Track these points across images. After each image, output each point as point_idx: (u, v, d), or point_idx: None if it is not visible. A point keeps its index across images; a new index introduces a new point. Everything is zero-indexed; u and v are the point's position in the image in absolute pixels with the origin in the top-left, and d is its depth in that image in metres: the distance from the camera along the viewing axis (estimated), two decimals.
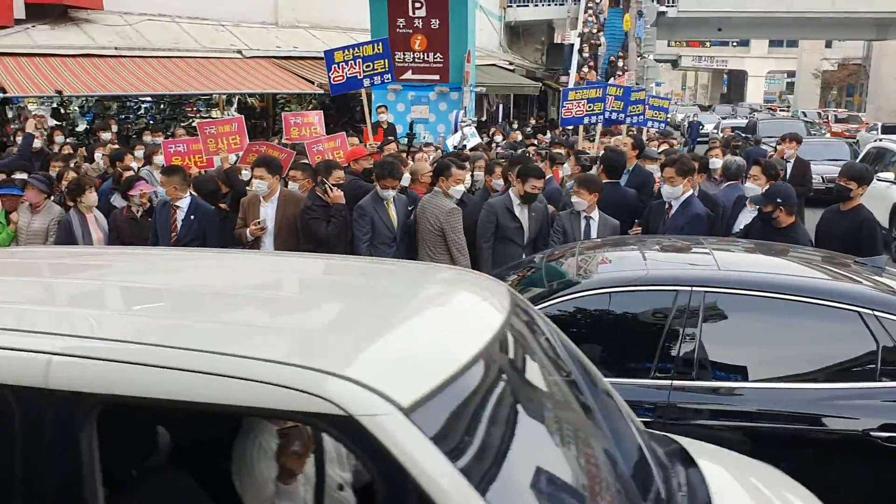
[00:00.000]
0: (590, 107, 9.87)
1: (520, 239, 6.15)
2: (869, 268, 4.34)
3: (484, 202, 6.56)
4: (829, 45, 58.50)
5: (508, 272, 4.96)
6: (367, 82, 9.56)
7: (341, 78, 9.50)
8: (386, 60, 9.49)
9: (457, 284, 2.86)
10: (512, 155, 8.84)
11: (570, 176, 7.96)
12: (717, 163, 8.29)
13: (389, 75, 9.67)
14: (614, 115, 10.57)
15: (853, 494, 3.63)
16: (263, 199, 6.35)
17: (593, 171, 7.83)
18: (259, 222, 6.29)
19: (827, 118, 37.70)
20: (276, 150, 7.73)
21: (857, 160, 15.62)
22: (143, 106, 19.13)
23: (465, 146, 9.80)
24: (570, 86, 22.06)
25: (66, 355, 2.03)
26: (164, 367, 1.96)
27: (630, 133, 10.97)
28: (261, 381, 1.90)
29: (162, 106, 19.35)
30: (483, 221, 6.18)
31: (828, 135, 27.87)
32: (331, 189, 6.24)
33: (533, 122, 21.74)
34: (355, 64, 9.39)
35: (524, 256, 5.94)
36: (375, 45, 9.66)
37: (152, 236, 6.72)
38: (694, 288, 3.86)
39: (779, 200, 5.58)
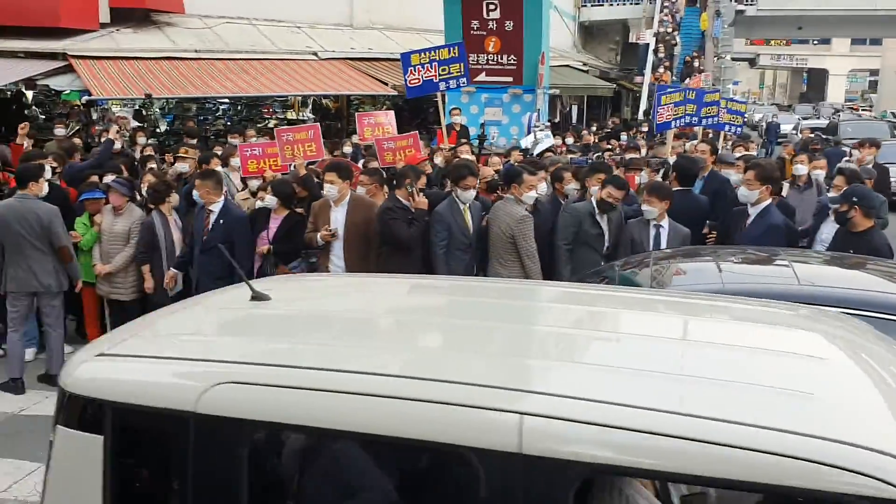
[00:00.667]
0: (676, 110, 9.74)
1: (599, 246, 6.14)
2: None
3: (555, 209, 6.55)
4: None
5: (586, 280, 4.96)
6: (442, 86, 9.62)
7: (417, 81, 9.55)
8: (462, 64, 9.51)
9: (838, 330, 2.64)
10: (586, 160, 8.74)
11: (646, 185, 7.85)
12: (801, 169, 8.05)
13: (465, 79, 9.70)
14: (687, 119, 10.38)
15: None
16: (333, 203, 6.43)
17: (659, 176, 7.77)
18: (329, 228, 6.40)
19: None
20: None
21: None
22: (221, 107, 19.64)
23: (533, 151, 9.77)
24: (645, 87, 21.75)
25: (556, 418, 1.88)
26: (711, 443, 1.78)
27: (706, 138, 10.75)
28: (801, 458, 1.74)
29: (239, 107, 19.81)
30: (565, 224, 6.20)
31: None
32: (417, 193, 6.32)
33: (610, 123, 21.48)
34: (431, 67, 9.45)
35: (602, 264, 5.91)
36: (451, 48, 9.69)
37: (189, 238, 6.93)
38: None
39: (854, 199, 5.44)
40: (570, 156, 11.08)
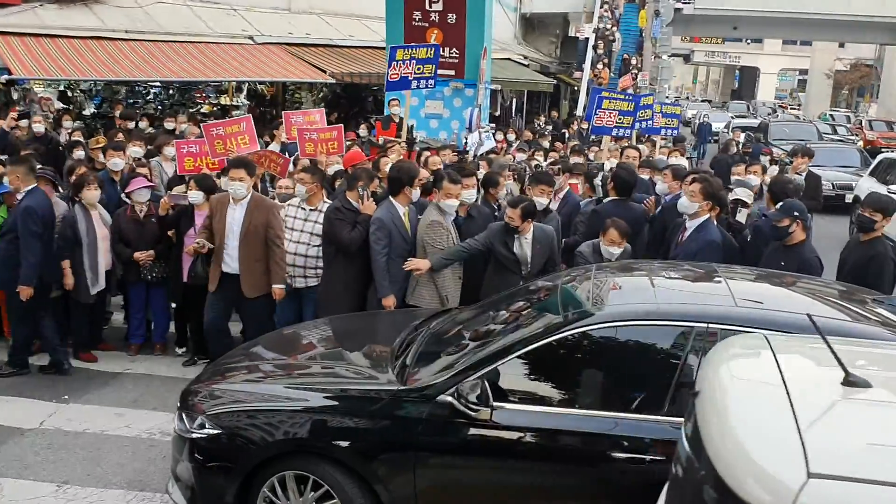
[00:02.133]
0: (620, 119, 9.72)
1: (516, 268, 5.93)
2: (886, 306, 4.26)
3: (489, 216, 6.46)
4: (842, 45, 58.01)
5: (518, 296, 4.90)
6: (414, 84, 9.55)
7: (396, 76, 9.48)
8: (434, 66, 9.59)
9: None
10: (525, 168, 8.64)
11: (582, 196, 7.83)
12: (754, 180, 8.10)
13: (433, 81, 9.68)
14: (627, 130, 10.41)
15: None
16: (233, 201, 6.24)
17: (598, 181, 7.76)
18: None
19: (860, 124, 33.73)
20: (276, 156, 7.66)
21: (868, 170, 15.54)
22: (153, 91, 19.01)
23: (476, 152, 9.68)
24: (584, 82, 21.89)
25: None
26: None
27: (637, 143, 10.79)
28: None
29: (171, 91, 19.22)
30: (483, 237, 5.99)
31: (860, 143, 26.67)
32: (367, 197, 6.18)
33: (542, 119, 21.52)
34: (409, 64, 9.37)
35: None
36: (429, 49, 9.75)
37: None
38: (710, 325, 3.79)
39: (796, 214, 5.55)
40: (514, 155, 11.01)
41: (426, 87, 9.90)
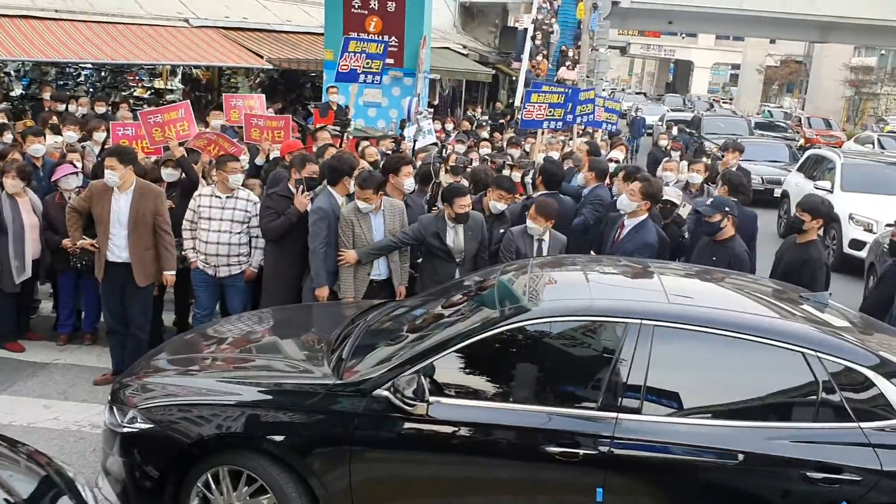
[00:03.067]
0: (550, 111, 9.77)
1: (450, 258, 6.00)
2: (813, 303, 4.43)
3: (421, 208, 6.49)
4: (773, 41, 59.70)
5: (466, 285, 4.94)
6: (361, 78, 9.49)
7: (346, 68, 9.40)
8: (381, 62, 9.52)
9: None
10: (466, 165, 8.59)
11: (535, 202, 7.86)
12: (696, 178, 8.22)
13: (380, 77, 9.64)
14: (561, 123, 10.47)
15: None
16: (118, 189, 6.11)
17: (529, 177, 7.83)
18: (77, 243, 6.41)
19: (799, 121, 33.94)
20: (227, 141, 7.49)
21: (797, 166, 16.04)
22: (84, 73, 18.41)
23: (416, 142, 9.63)
24: (522, 73, 21.99)
25: None
26: None
27: (587, 135, 10.92)
28: None
29: (103, 73, 18.64)
30: (413, 229, 6.03)
31: (801, 140, 27.10)
32: (301, 189, 6.16)
33: (480, 110, 21.58)
34: (360, 58, 9.30)
35: (458, 273, 5.88)
36: (380, 45, 9.69)
37: None
38: (643, 321, 3.88)
39: (727, 209, 5.71)
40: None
41: (373, 82, 9.86)
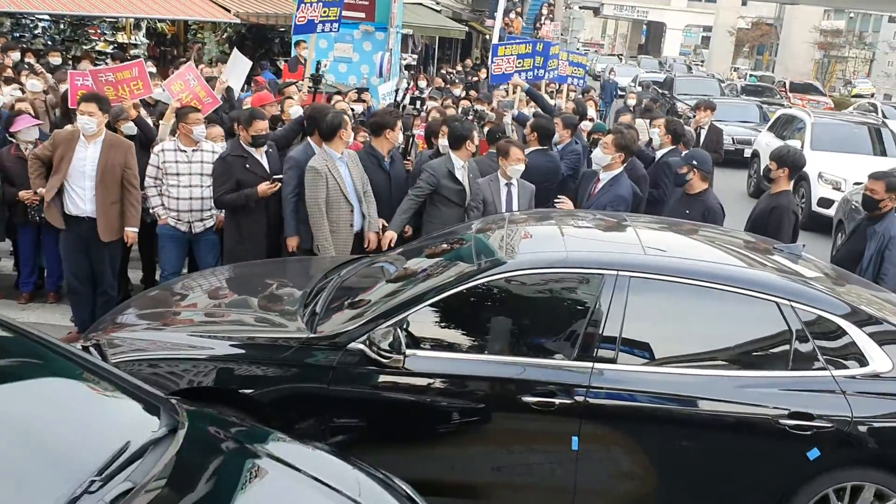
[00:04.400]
0: (519, 62, 9.66)
1: (461, 200, 5.97)
2: (786, 254, 4.44)
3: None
4: (744, 3, 59.72)
5: (442, 239, 4.89)
6: (319, 28, 9.18)
7: (303, 19, 9.08)
8: (339, 10, 9.19)
9: None
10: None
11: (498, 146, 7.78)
12: (655, 134, 8.15)
13: (338, 24, 9.33)
14: (533, 72, 10.35)
15: (759, 478, 3.75)
16: (86, 139, 5.92)
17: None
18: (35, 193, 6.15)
19: (784, 86, 32.56)
20: (206, 92, 7.24)
21: (767, 125, 16.12)
22: (41, 25, 17.83)
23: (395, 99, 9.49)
24: (497, 30, 21.76)
25: None
26: None
27: (574, 97, 10.78)
28: None
29: (62, 26, 18.07)
30: (422, 180, 5.99)
31: (785, 103, 26.13)
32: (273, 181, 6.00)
33: (459, 67, 21.33)
34: (316, 7, 8.99)
35: (467, 218, 5.82)
36: None
37: None
38: (619, 272, 3.87)
39: (694, 163, 5.73)
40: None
41: (331, 30, 9.55)
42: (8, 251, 7.47)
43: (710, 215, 5.61)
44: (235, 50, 10.24)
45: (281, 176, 6.03)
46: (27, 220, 6.63)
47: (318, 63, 9.87)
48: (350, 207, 5.81)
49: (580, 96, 12.82)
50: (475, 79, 18.05)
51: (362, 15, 14.39)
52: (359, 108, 9.05)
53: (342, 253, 5.70)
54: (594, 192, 5.90)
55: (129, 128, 6.75)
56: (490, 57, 10.12)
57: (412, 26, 19.74)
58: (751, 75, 41.00)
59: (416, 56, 15.41)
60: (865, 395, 3.72)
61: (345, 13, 14.63)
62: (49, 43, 17.03)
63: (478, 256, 4.21)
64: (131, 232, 6.12)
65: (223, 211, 6.30)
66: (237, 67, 9.18)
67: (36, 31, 17.87)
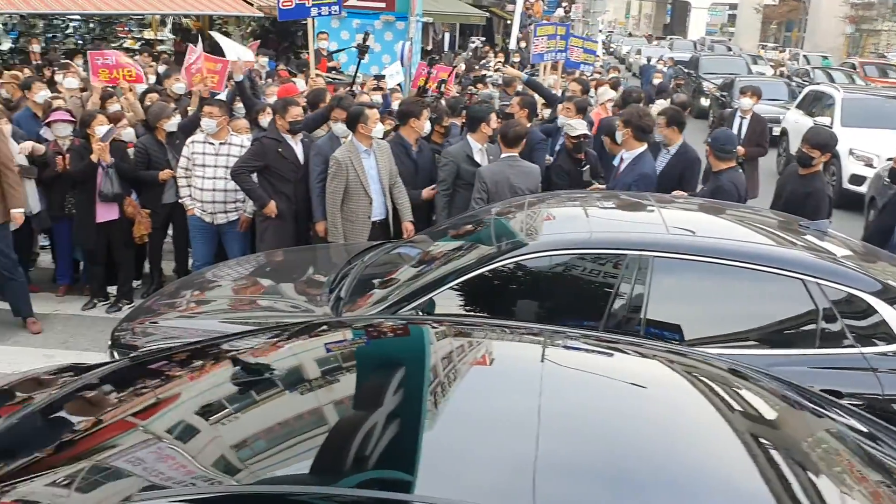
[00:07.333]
0: (549, 43, 9.88)
1: None
2: (812, 231, 4.41)
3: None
4: None
5: (462, 223, 4.92)
6: (314, 11, 9.17)
7: (290, 4, 9.05)
8: None
9: None
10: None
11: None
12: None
13: (337, 7, 9.30)
14: (557, 54, 10.63)
15: None
16: None
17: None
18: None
19: (860, 67, 27.16)
20: (211, 61, 7.45)
21: (796, 103, 15.87)
22: (72, 25, 18.11)
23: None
24: (517, 15, 21.68)
25: None
26: None
27: (578, 78, 10.81)
28: None
29: (91, 25, 18.34)
30: (442, 170, 6.14)
31: (860, 83, 23.64)
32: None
33: (473, 46, 21.18)
34: None
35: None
36: None
37: None
38: (643, 252, 3.86)
39: (708, 141, 5.70)
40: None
41: (329, 13, 9.47)
42: (47, 246, 7.63)
43: (719, 194, 5.50)
44: (222, 38, 10.24)
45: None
46: (63, 213, 6.78)
47: (366, 34, 9.88)
48: (369, 200, 5.89)
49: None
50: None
51: (383, 5, 14.44)
52: (377, 96, 9.11)
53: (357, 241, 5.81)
54: (618, 173, 5.87)
55: (129, 135, 6.85)
56: (517, 42, 10.47)
57: (432, 14, 19.71)
58: (824, 58, 34.56)
59: (482, 38, 15.25)
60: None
61: (364, 3, 14.77)
62: (80, 42, 17.30)
63: (498, 239, 4.23)
64: (17, 213, 6.15)
65: (247, 208, 6.43)
66: (233, 48, 9.09)
67: (67, 31, 18.17)
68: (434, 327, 3.05)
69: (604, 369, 2.83)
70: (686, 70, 23.06)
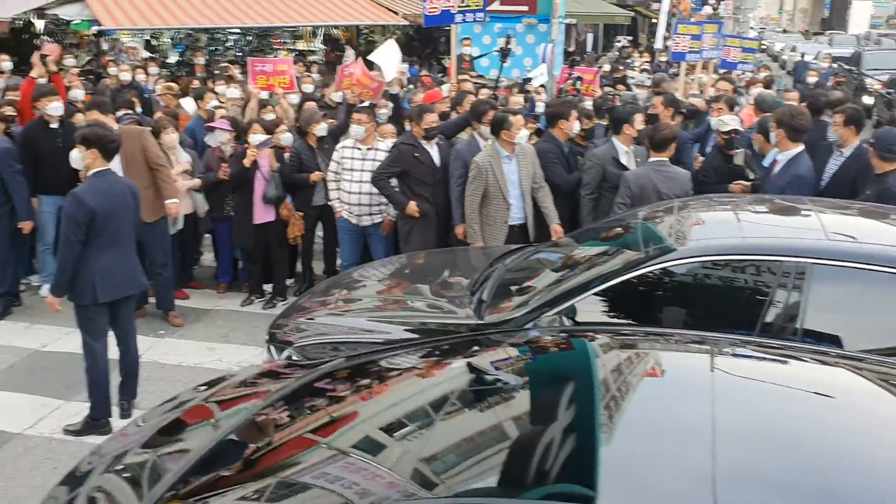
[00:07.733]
0: (692, 44, 9.59)
1: None
2: None
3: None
4: None
5: (607, 227, 4.87)
6: (458, 17, 9.30)
7: (436, 10, 9.22)
8: None
9: None
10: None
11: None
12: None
13: (482, 14, 9.40)
14: (706, 53, 10.33)
15: None
16: None
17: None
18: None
19: None
20: (368, 77, 7.72)
21: None
22: (232, 38, 19.30)
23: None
24: (663, 14, 21.12)
25: None
26: None
27: (725, 76, 10.43)
28: None
29: (249, 38, 19.47)
30: (587, 174, 6.15)
31: None
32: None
33: (619, 46, 20.76)
34: None
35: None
36: None
37: None
38: (800, 259, 3.68)
39: (871, 141, 5.37)
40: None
41: (474, 20, 9.52)
42: (210, 245, 8.15)
43: (885, 197, 5.11)
44: (391, 40, 10.56)
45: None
46: (223, 214, 7.23)
47: (508, 37, 9.97)
48: (507, 204, 5.93)
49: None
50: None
51: (525, 8, 14.41)
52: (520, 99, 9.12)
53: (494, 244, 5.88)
54: (772, 175, 5.62)
55: (321, 129, 7.17)
56: (665, 36, 10.23)
57: (575, 15, 19.51)
58: None
59: (630, 38, 15.12)
60: None
61: (506, 7, 14.76)
62: (239, 54, 18.40)
63: (645, 243, 4.15)
64: (171, 204, 6.45)
65: (390, 211, 6.62)
66: (389, 55, 9.34)
67: (228, 44, 19.37)
68: (597, 339, 3.07)
69: (788, 378, 2.75)
70: (846, 67, 21.67)
